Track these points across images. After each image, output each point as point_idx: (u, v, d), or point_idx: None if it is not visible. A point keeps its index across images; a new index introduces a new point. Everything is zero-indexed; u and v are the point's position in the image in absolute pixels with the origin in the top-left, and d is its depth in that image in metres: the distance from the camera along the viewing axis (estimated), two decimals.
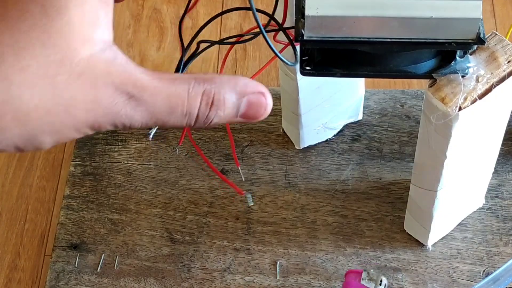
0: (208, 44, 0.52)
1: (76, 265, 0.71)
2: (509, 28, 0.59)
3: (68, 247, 0.72)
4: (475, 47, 0.51)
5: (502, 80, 0.51)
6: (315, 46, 0.49)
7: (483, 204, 0.72)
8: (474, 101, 0.50)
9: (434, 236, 0.69)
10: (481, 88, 0.50)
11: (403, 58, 0.50)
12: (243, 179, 0.75)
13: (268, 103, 0.38)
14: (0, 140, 0.32)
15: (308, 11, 0.46)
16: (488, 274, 0.66)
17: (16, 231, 0.76)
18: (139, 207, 0.75)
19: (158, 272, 0.70)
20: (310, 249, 0.71)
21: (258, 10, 0.48)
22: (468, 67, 0.51)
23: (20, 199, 0.78)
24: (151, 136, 0.47)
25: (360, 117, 0.78)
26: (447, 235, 0.70)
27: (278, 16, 0.52)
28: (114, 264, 0.71)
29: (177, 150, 0.78)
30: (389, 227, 0.71)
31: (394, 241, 0.71)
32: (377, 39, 0.47)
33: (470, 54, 0.52)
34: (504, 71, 0.51)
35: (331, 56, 0.51)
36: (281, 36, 0.52)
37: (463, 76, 0.50)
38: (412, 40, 0.47)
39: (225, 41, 0.53)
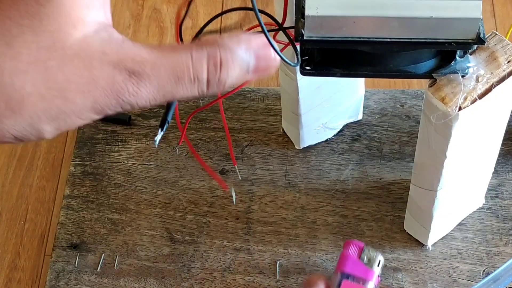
0: None
1: (76, 265, 0.71)
2: (509, 28, 0.59)
3: (68, 247, 0.72)
4: (475, 47, 0.51)
5: (502, 80, 0.51)
6: (315, 46, 0.49)
7: (483, 204, 0.72)
8: (474, 101, 0.50)
9: (434, 236, 0.69)
10: (481, 88, 0.50)
11: (403, 58, 0.50)
12: (240, 178, 0.75)
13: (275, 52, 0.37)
14: None
15: (308, 11, 0.46)
16: (488, 274, 0.66)
17: (16, 231, 0.76)
18: (139, 207, 0.75)
19: (158, 272, 0.70)
20: (310, 249, 0.71)
21: (258, 10, 0.48)
22: (468, 67, 0.51)
23: (20, 199, 0.78)
24: (157, 142, 0.47)
25: (360, 117, 0.78)
26: (447, 235, 0.70)
27: (278, 15, 0.52)
28: (114, 264, 0.71)
29: (177, 150, 0.78)
30: (389, 227, 0.72)
31: (394, 241, 0.71)
32: (377, 39, 0.47)
33: (470, 54, 0.52)
34: (504, 71, 0.51)
35: (331, 56, 0.51)
36: (281, 36, 0.52)
37: (463, 76, 0.50)
38: (412, 40, 0.47)
39: None
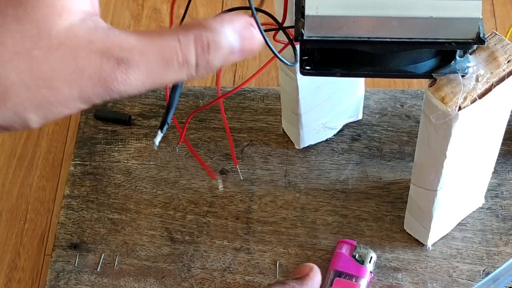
0: None
1: (76, 265, 0.71)
2: (509, 28, 0.59)
3: (68, 246, 0.72)
4: (475, 46, 0.51)
5: (502, 79, 0.51)
6: (315, 45, 0.49)
7: (483, 204, 0.72)
8: (474, 101, 0.50)
9: (434, 235, 0.69)
10: (481, 88, 0.50)
11: (403, 58, 0.50)
12: (242, 178, 0.75)
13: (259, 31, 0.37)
14: None
15: (308, 11, 0.46)
16: (488, 274, 0.66)
17: (16, 231, 0.76)
18: (139, 207, 0.75)
19: (158, 271, 0.70)
20: (310, 249, 0.71)
21: (258, 10, 0.48)
22: (468, 67, 0.51)
23: (20, 199, 0.78)
24: (156, 143, 0.47)
25: (360, 117, 0.78)
26: (447, 234, 0.70)
27: (278, 15, 0.52)
28: (114, 263, 0.71)
29: (177, 150, 0.78)
30: (389, 226, 0.72)
31: (394, 241, 0.71)
32: (377, 39, 0.47)
33: (470, 54, 0.52)
34: (504, 70, 0.51)
35: (331, 55, 0.51)
36: (281, 35, 0.52)
37: (463, 76, 0.50)
38: (412, 40, 0.47)
39: None
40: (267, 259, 0.71)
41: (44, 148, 0.81)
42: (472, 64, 0.51)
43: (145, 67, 0.34)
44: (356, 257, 0.66)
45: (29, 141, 0.81)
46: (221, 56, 0.36)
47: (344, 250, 0.67)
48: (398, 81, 0.83)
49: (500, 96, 0.52)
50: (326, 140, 0.77)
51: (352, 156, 0.76)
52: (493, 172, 0.68)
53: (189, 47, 0.35)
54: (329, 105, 0.72)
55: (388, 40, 0.47)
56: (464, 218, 0.71)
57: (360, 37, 0.47)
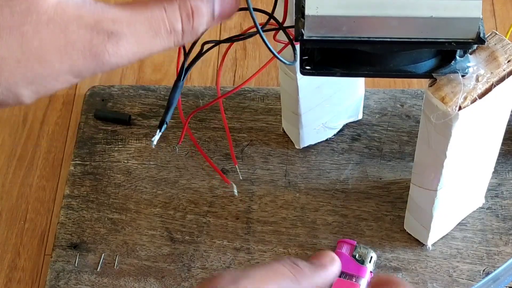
0: (213, 44, 0.51)
1: (76, 265, 0.71)
2: (509, 27, 0.59)
3: (68, 246, 0.72)
4: (475, 46, 0.51)
5: (502, 79, 0.51)
6: (315, 45, 0.49)
7: (483, 204, 0.72)
8: (474, 101, 0.50)
9: (434, 235, 0.69)
10: (481, 88, 0.50)
11: (403, 58, 0.50)
12: (241, 178, 0.75)
13: None
14: None
15: (308, 11, 0.46)
16: (488, 274, 0.66)
17: (16, 231, 0.76)
18: (139, 207, 0.75)
19: (158, 271, 0.70)
20: (310, 249, 0.71)
21: (258, 10, 0.48)
22: (468, 67, 0.51)
23: (20, 199, 0.78)
24: (154, 142, 0.47)
25: (360, 117, 0.78)
26: (447, 234, 0.70)
27: (278, 15, 0.52)
28: (114, 263, 0.71)
29: (177, 150, 0.78)
30: (389, 226, 0.72)
31: (394, 241, 0.71)
32: (377, 39, 0.47)
33: (470, 54, 0.52)
34: (504, 70, 0.51)
35: (331, 55, 0.51)
36: (281, 35, 0.52)
37: (463, 76, 0.50)
38: (412, 40, 0.47)
39: (234, 38, 0.53)
40: (267, 259, 0.70)
41: (44, 148, 0.81)
42: (472, 64, 0.51)
43: (135, 38, 0.35)
44: (356, 257, 0.66)
45: (29, 141, 0.81)
46: (204, 22, 0.37)
47: (344, 250, 0.67)
48: (398, 81, 0.83)
49: (500, 96, 0.52)
50: (326, 140, 0.77)
51: (352, 156, 0.76)
52: (493, 172, 0.68)
53: (175, 15, 0.36)
54: (329, 105, 0.72)
55: (388, 40, 0.47)
56: (464, 218, 0.71)
57: (360, 37, 0.47)
